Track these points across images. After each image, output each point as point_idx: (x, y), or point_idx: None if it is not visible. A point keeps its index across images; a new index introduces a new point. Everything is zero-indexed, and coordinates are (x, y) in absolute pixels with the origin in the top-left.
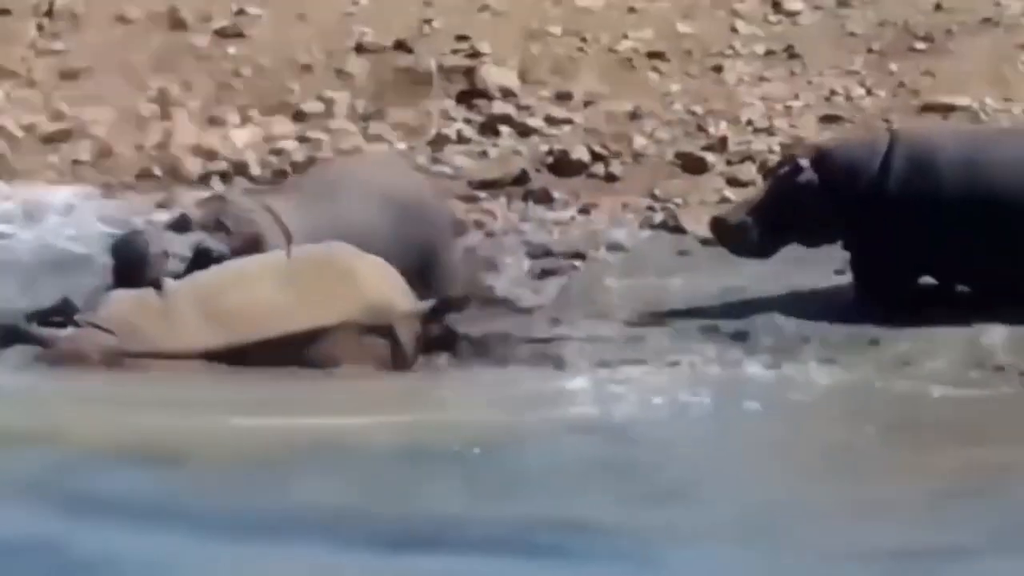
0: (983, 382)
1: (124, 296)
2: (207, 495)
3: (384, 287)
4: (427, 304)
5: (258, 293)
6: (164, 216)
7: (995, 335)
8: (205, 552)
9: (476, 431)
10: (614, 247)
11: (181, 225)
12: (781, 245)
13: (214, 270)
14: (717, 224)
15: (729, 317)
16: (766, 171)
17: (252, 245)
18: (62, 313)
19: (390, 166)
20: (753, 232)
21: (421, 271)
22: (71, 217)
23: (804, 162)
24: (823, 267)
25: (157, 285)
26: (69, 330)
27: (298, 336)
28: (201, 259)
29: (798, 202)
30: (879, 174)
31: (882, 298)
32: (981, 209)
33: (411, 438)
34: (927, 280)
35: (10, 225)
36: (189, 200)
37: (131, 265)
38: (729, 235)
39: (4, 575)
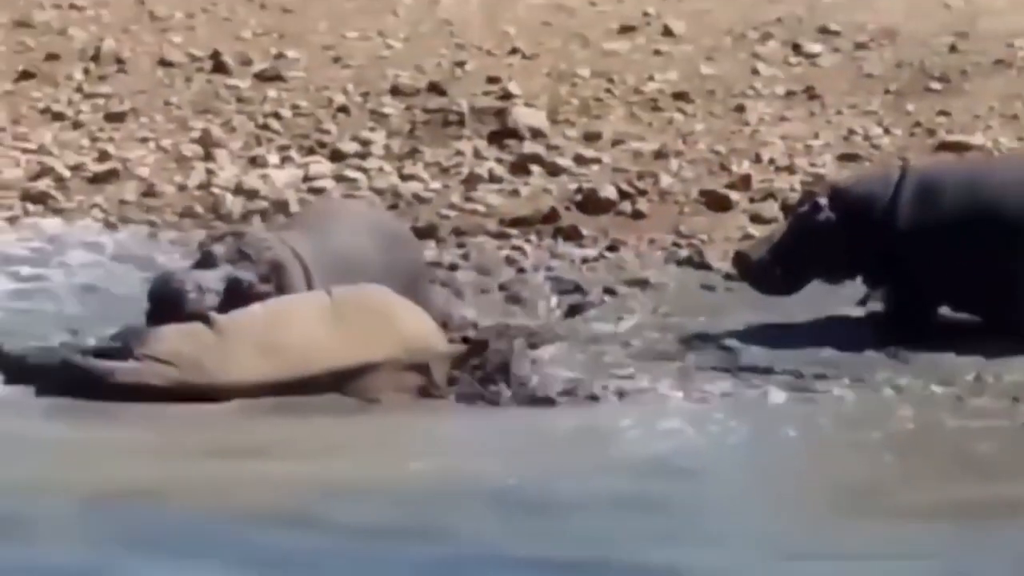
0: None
1: (177, 330)
2: (245, 535)
3: (421, 328)
4: (461, 346)
5: (309, 329)
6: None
7: (1013, 365)
8: None
9: (509, 468)
10: (640, 283)
11: (206, 262)
12: (803, 282)
13: (262, 307)
14: (740, 261)
15: (754, 347)
16: (787, 208)
17: (276, 273)
18: (116, 348)
19: (368, 205)
20: (775, 269)
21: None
22: (105, 255)
23: (823, 201)
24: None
25: (204, 319)
26: (129, 363)
27: (346, 371)
28: (233, 290)
29: (818, 239)
30: (889, 207)
31: (903, 328)
32: (987, 235)
33: (445, 476)
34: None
35: (46, 268)
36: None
37: (168, 304)
38: (752, 272)
39: None
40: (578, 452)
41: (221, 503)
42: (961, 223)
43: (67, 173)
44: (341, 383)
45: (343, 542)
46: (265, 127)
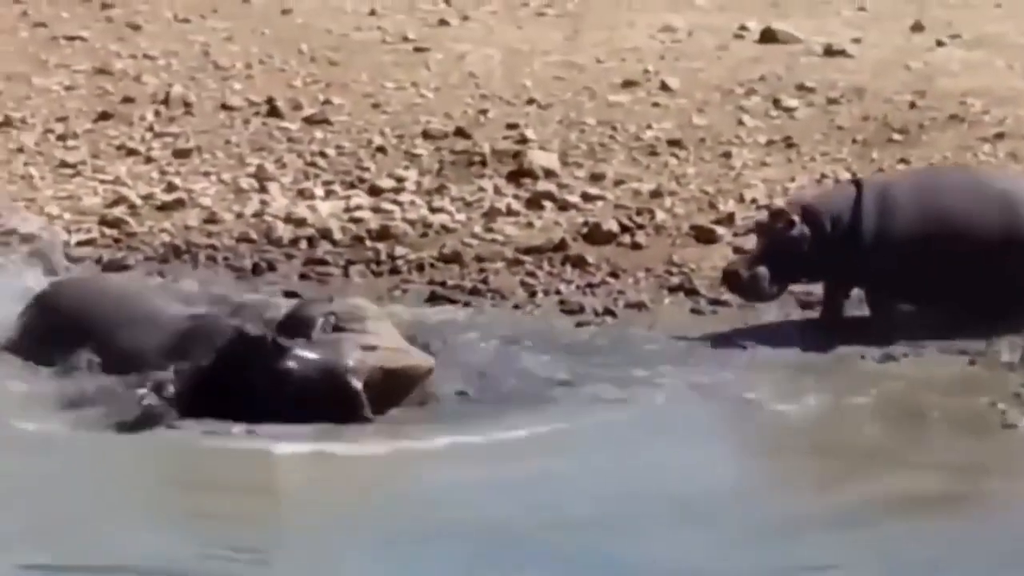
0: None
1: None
2: None
3: None
4: None
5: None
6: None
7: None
8: None
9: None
10: (637, 306)
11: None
12: (784, 289)
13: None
14: (731, 276)
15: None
16: (758, 226)
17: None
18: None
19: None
20: (765, 280)
21: None
22: None
23: (796, 218)
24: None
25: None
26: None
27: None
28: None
29: (796, 251)
30: (853, 219)
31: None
32: (936, 237)
33: None
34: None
35: None
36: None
37: (303, 327)
38: (742, 285)
39: None
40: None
41: None
42: (916, 229)
43: (139, 202)
44: None
45: None
46: (312, 164)
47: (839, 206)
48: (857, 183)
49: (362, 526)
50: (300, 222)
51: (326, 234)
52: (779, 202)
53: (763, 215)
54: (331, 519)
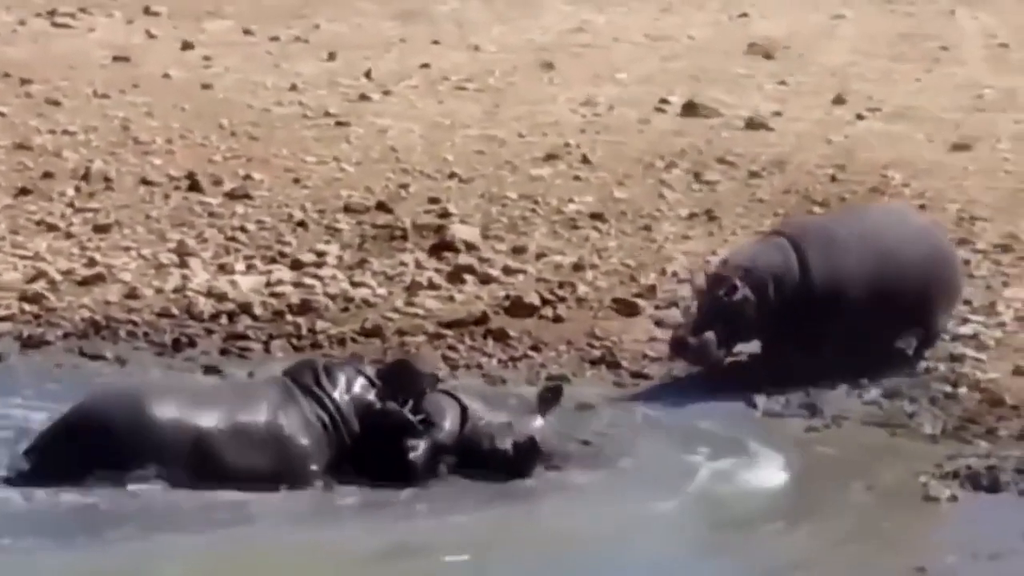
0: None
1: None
2: None
3: None
4: None
5: None
6: None
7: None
8: None
9: None
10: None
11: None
12: (731, 351)
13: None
14: (679, 344)
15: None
16: (698, 292)
17: None
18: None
19: None
20: (713, 345)
21: None
22: None
23: (738, 283)
24: None
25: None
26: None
27: None
28: None
29: (740, 315)
30: (802, 273)
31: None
32: (887, 281)
33: None
34: None
35: None
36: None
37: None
38: (693, 352)
39: None
40: None
41: None
42: (862, 272)
43: (59, 277)
44: None
45: None
46: (233, 239)
47: (778, 262)
48: (782, 234)
49: None
50: (221, 297)
51: (247, 309)
52: (716, 267)
53: (700, 280)
54: None
